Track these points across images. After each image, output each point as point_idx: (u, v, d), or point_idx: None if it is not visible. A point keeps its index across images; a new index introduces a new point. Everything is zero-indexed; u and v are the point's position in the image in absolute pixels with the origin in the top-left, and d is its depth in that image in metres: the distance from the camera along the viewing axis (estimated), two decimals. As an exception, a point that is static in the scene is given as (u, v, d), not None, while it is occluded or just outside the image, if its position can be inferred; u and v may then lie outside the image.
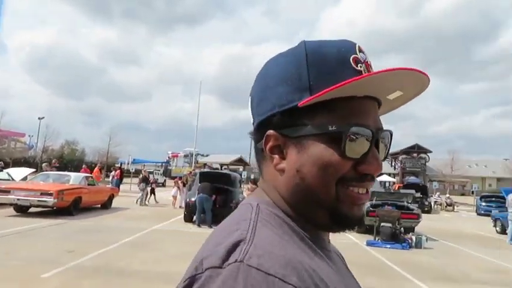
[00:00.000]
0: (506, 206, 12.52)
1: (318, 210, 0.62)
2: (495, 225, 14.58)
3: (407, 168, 54.41)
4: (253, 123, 0.68)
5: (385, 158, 0.66)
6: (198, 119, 32.02)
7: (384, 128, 0.64)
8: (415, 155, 55.94)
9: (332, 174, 0.59)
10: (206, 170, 18.86)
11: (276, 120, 0.62)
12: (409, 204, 12.38)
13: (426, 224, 15.43)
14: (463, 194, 43.22)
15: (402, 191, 15.75)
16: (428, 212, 22.58)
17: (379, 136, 0.62)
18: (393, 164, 60.01)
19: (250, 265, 0.49)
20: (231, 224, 0.59)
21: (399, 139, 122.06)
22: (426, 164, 53.96)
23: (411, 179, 43.21)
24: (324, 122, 0.59)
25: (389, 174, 52.59)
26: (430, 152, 54.60)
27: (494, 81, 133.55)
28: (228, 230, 0.57)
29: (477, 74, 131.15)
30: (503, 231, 12.96)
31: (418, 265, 8.26)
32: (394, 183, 38.67)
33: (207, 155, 65.88)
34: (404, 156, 56.19)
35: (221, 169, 36.25)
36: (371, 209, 11.45)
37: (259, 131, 0.65)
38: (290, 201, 0.63)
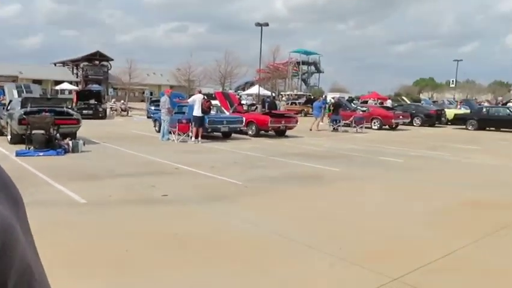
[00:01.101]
0: (160, 107, 14.04)
1: None
2: (155, 125, 16.33)
3: (90, 76, 53.18)
4: None
5: None
6: None
7: None
8: (97, 62, 54.95)
9: None
10: None
11: None
12: (69, 110, 11.97)
13: (96, 128, 15.69)
14: (142, 101, 46.17)
15: (60, 96, 15.11)
16: (103, 117, 23.03)
17: None
18: (75, 72, 57.20)
19: None
20: None
21: (85, 46, 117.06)
22: (109, 71, 54.14)
23: (94, 86, 42.67)
24: None
25: (71, 82, 50.09)
26: (112, 60, 54.72)
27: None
28: None
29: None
30: (160, 129, 14.63)
31: (66, 169, 8.24)
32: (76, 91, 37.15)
33: None
34: (86, 63, 54.23)
35: None
36: (23, 116, 10.40)
37: None
38: None
